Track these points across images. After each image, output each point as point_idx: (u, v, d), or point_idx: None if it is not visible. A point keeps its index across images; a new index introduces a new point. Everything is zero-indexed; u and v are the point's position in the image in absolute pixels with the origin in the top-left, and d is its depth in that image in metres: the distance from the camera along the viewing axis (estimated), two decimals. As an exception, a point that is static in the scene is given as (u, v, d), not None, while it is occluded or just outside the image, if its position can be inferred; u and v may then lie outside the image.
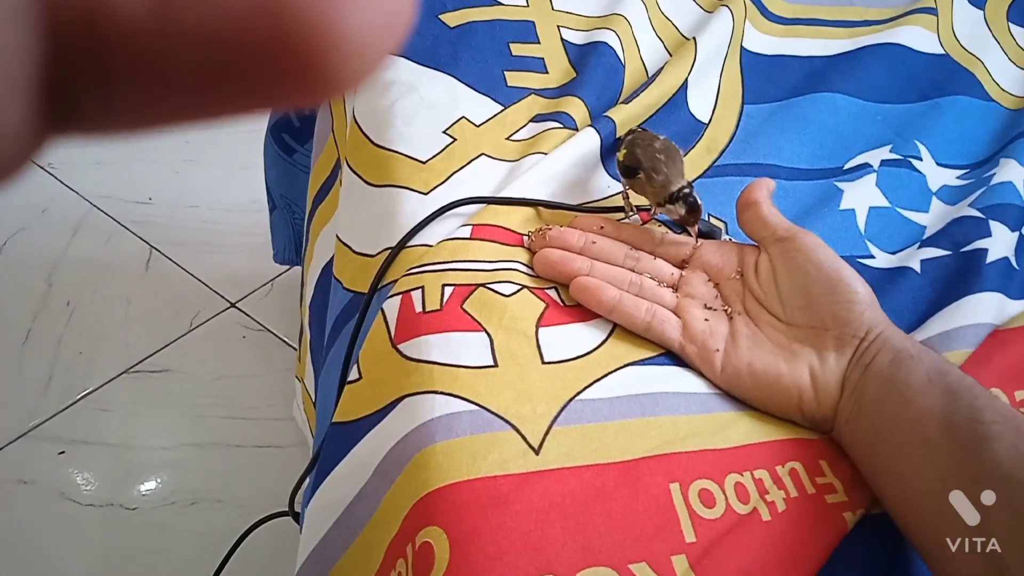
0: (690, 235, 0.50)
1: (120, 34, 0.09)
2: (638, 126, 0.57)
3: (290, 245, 1.04)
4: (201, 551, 0.92)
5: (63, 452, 1.00)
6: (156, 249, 1.27)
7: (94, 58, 0.09)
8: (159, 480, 0.99)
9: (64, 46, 0.09)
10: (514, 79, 0.62)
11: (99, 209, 1.33)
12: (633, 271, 0.49)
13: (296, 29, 0.09)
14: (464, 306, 0.46)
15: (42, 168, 1.38)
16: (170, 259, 1.26)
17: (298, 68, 0.09)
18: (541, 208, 0.54)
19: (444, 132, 0.57)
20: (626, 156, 0.51)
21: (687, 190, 0.48)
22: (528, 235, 0.52)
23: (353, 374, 0.46)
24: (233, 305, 1.20)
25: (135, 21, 0.09)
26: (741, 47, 0.70)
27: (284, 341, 1.16)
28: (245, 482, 0.99)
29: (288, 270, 1.21)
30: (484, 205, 0.52)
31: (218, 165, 1.43)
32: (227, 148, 1.43)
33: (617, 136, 0.57)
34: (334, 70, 0.09)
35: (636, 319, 0.47)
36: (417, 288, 0.47)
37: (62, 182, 1.36)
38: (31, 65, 0.09)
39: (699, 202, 0.48)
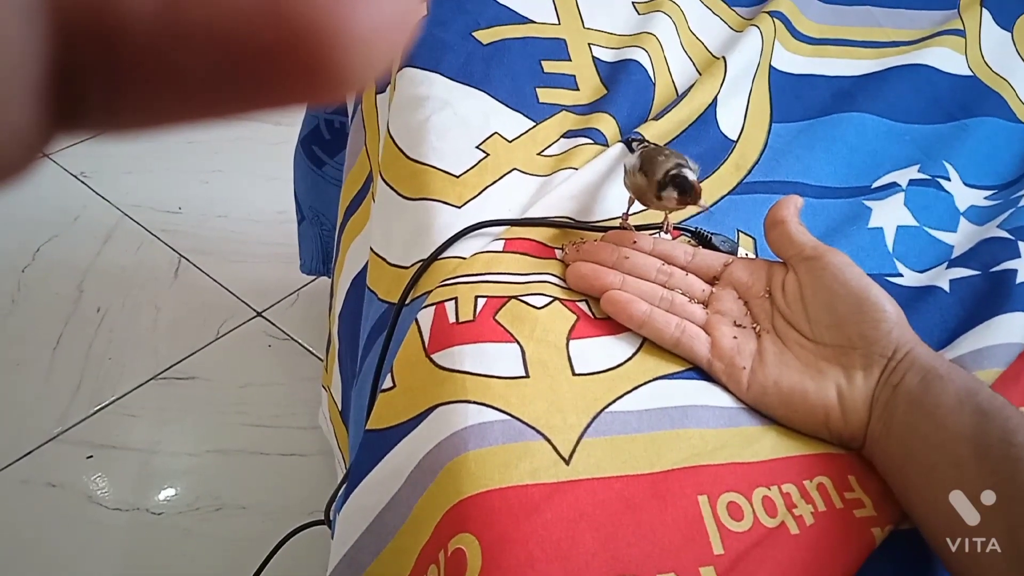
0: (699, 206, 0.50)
1: (127, 32, 0.09)
2: (655, 143, 0.57)
3: (317, 256, 1.05)
4: (225, 557, 0.93)
5: (91, 456, 1.02)
6: (185, 258, 1.29)
7: (101, 56, 0.09)
8: (184, 486, 1.00)
9: (71, 43, 0.09)
10: (546, 96, 0.63)
11: (130, 218, 1.35)
12: (664, 286, 0.50)
13: (304, 28, 0.09)
14: (496, 317, 0.47)
15: (75, 177, 1.41)
16: (198, 268, 1.28)
17: (306, 67, 0.09)
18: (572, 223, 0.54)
19: (477, 147, 0.58)
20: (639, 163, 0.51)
21: (673, 171, 0.48)
22: (562, 248, 0.53)
23: (387, 382, 0.47)
24: (259, 314, 1.22)
25: (142, 19, 0.09)
26: (770, 66, 0.70)
27: (309, 350, 1.17)
28: (269, 489, 1.00)
29: (314, 280, 1.23)
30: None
31: (246, 176, 1.45)
32: (255, 159, 1.45)
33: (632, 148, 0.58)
34: (342, 69, 0.09)
35: (666, 334, 0.48)
36: (451, 299, 0.48)
37: (94, 191, 1.39)
38: (38, 62, 0.09)
39: (689, 177, 0.47)
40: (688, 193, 0.48)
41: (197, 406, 1.09)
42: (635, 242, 0.52)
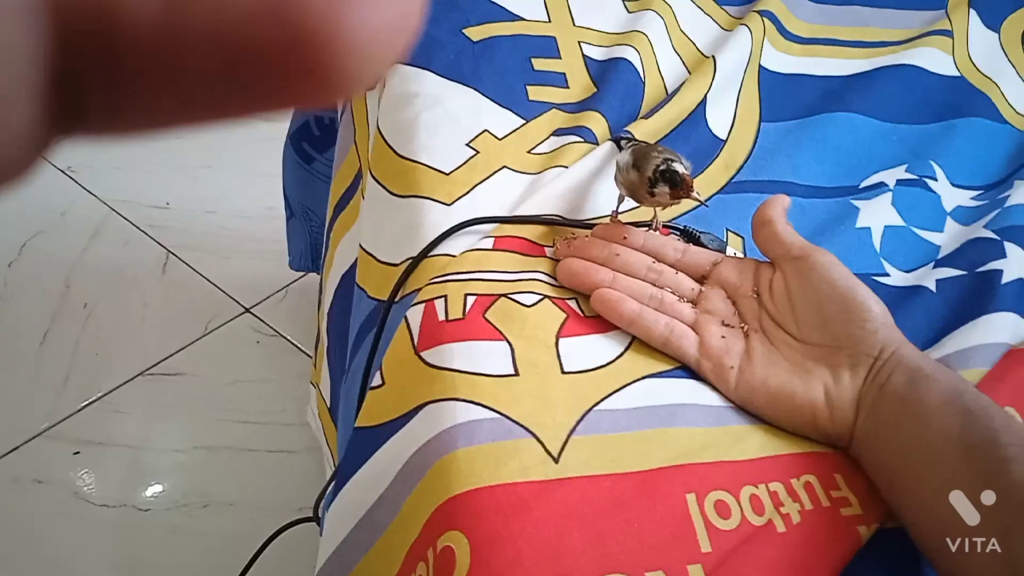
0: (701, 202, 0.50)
1: (128, 34, 0.09)
2: (645, 141, 0.58)
3: (306, 252, 1.05)
4: (212, 554, 0.93)
5: (78, 452, 1.01)
6: (173, 254, 1.29)
7: (101, 58, 0.09)
8: (172, 482, 1.00)
9: (71, 46, 0.09)
10: (536, 93, 0.63)
11: (117, 213, 1.34)
12: (654, 284, 0.50)
13: (305, 31, 0.09)
14: (486, 315, 0.47)
15: (62, 172, 1.40)
16: (186, 264, 1.27)
17: (307, 70, 0.09)
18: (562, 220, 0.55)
19: (467, 145, 0.58)
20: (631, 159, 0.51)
21: (662, 166, 0.48)
22: (553, 243, 0.53)
23: (376, 380, 0.47)
24: (248, 310, 1.21)
25: (143, 21, 0.09)
26: (759, 65, 0.70)
27: (297, 347, 1.17)
28: (257, 486, 1.00)
29: (302, 276, 1.23)
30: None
31: (235, 172, 1.44)
32: (244, 155, 1.44)
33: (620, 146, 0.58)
34: (344, 72, 0.09)
35: (654, 333, 0.48)
36: (440, 297, 0.48)
37: (81, 186, 1.38)
38: (38, 65, 0.09)
39: (678, 169, 0.47)
40: (679, 186, 0.48)
41: (185, 402, 1.09)
42: (626, 237, 0.52)
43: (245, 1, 0.09)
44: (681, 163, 0.48)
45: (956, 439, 0.39)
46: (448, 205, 0.54)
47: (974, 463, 0.38)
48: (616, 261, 0.50)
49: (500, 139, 0.59)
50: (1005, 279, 0.53)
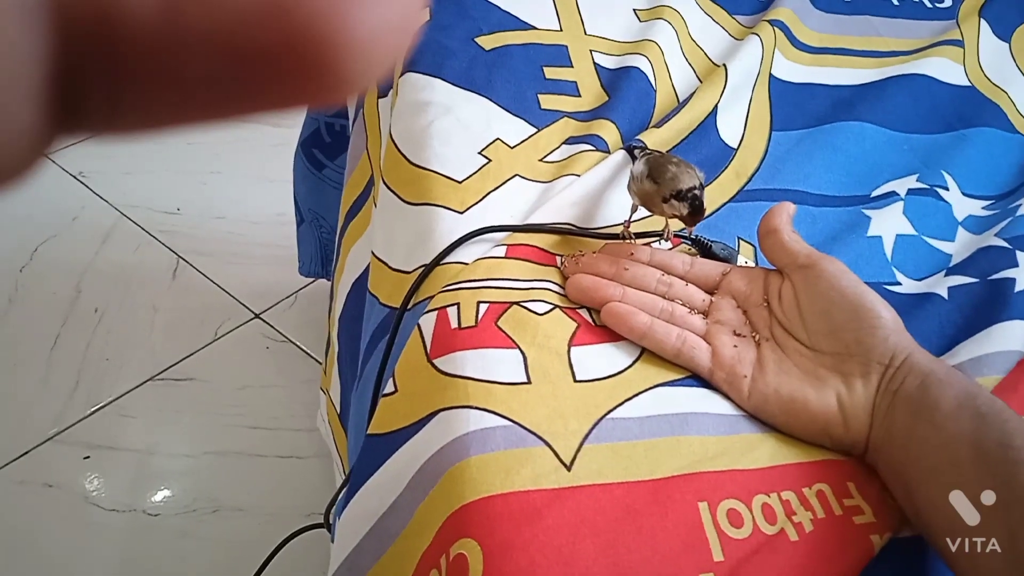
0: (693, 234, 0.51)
1: (129, 34, 0.09)
2: (658, 151, 0.58)
3: (316, 258, 1.05)
4: (222, 559, 0.93)
5: (88, 457, 1.02)
6: (183, 259, 1.29)
7: (103, 58, 0.09)
8: (181, 487, 1.00)
9: (73, 45, 0.09)
10: (547, 102, 0.64)
11: (128, 218, 1.35)
12: (664, 297, 0.50)
13: (306, 30, 0.09)
14: (498, 323, 0.47)
15: (73, 177, 1.41)
16: (196, 269, 1.28)
17: (307, 69, 0.09)
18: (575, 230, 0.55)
19: (479, 153, 0.58)
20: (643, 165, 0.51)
21: (697, 191, 0.48)
22: (561, 260, 0.53)
23: (388, 387, 0.48)
24: (257, 316, 1.22)
25: (144, 21, 0.09)
26: (770, 75, 0.71)
27: (307, 353, 1.17)
28: (266, 492, 1.00)
29: (312, 282, 1.23)
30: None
31: (245, 177, 1.45)
32: (254, 161, 1.46)
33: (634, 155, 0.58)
34: (343, 71, 0.09)
35: (667, 345, 0.48)
36: (453, 304, 0.48)
37: (93, 191, 1.39)
38: (40, 64, 0.09)
39: (704, 205, 0.48)
40: (697, 215, 0.48)
41: (194, 407, 1.09)
42: (632, 253, 0.52)
43: (244, 1, 0.09)
44: (696, 175, 0.48)
45: (969, 442, 0.39)
46: (460, 213, 0.54)
47: (987, 466, 0.38)
48: (625, 276, 0.50)
49: (512, 147, 0.60)
50: (1018, 287, 0.53)
